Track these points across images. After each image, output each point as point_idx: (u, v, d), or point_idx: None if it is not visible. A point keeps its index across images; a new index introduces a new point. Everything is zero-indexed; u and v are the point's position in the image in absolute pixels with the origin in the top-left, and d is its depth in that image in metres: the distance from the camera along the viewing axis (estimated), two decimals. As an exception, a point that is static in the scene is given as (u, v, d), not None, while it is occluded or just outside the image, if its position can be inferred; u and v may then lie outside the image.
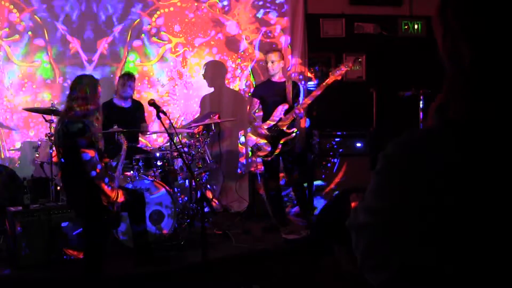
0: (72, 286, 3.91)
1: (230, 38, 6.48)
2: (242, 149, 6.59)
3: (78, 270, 3.87)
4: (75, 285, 3.86)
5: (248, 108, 5.88)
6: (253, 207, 5.88)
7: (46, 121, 4.86)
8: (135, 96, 5.83)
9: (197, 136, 5.37)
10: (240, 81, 6.58)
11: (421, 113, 5.31)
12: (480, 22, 0.99)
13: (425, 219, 0.97)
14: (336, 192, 5.56)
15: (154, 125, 6.14)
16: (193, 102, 6.45)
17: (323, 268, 3.89)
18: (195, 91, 6.43)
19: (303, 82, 6.26)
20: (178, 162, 5.30)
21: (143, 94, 6.18)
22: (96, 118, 3.62)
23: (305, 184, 5.56)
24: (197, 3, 6.32)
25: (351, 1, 6.66)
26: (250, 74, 6.59)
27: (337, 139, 5.96)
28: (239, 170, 6.50)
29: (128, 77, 5.38)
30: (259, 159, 5.50)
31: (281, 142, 5.01)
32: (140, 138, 5.78)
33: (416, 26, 6.73)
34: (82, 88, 3.61)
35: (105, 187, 3.55)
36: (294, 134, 5.06)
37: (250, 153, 6.56)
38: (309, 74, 5.19)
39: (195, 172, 5.08)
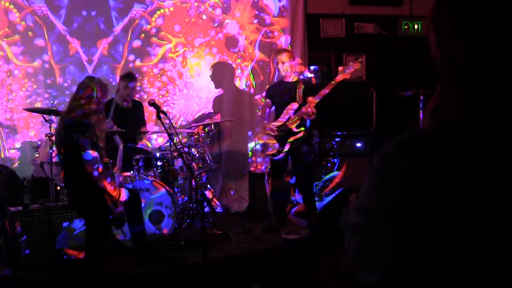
0: (72, 286, 3.91)
1: (230, 38, 6.48)
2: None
3: (78, 270, 3.87)
4: (75, 285, 3.86)
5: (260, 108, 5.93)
6: (253, 207, 5.89)
7: (46, 121, 4.86)
8: (135, 96, 5.83)
9: (197, 136, 5.37)
10: (240, 81, 6.59)
11: (421, 113, 5.31)
12: (475, 21, 1.00)
13: (424, 219, 0.97)
14: (338, 191, 5.56)
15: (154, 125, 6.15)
16: (193, 102, 6.45)
17: (323, 268, 3.89)
18: (195, 91, 6.44)
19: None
20: (178, 162, 5.30)
21: (143, 94, 6.18)
22: (99, 118, 3.62)
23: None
24: (197, 3, 6.33)
25: (351, 1, 6.67)
26: (250, 74, 6.60)
27: (337, 139, 5.96)
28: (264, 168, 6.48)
29: (130, 79, 5.36)
30: (267, 158, 5.52)
31: (289, 141, 5.02)
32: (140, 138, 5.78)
33: (416, 26, 6.74)
34: (88, 87, 3.61)
35: (108, 186, 3.55)
36: (302, 133, 5.05)
37: (250, 153, 6.57)
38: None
39: (195, 173, 5.08)
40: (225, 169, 6.48)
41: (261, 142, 5.28)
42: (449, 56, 1.03)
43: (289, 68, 5.11)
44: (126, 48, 6.14)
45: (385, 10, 6.73)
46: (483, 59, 0.99)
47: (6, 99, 5.80)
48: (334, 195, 5.38)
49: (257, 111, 6.49)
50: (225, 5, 6.44)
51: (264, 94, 5.84)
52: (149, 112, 5.79)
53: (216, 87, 6.46)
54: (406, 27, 6.75)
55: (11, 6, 5.75)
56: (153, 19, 6.21)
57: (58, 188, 4.91)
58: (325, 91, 4.81)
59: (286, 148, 5.02)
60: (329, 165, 5.86)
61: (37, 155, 5.04)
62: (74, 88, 3.76)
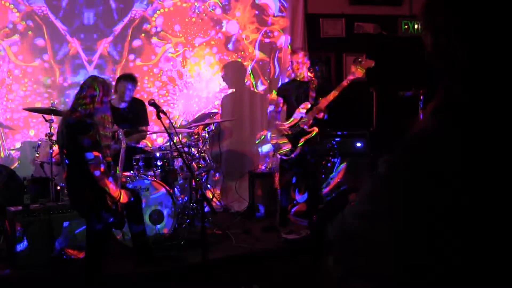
0: (72, 286, 3.91)
1: (230, 37, 6.48)
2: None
3: (78, 270, 3.87)
4: (75, 285, 3.86)
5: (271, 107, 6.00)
6: (253, 207, 5.89)
7: (46, 121, 4.85)
8: (135, 95, 5.83)
9: (197, 136, 5.37)
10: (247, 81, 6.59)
11: (421, 113, 5.31)
12: (474, 20, 1.00)
13: (435, 223, 0.95)
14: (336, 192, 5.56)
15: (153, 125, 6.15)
16: (193, 102, 6.45)
17: (323, 268, 3.89)
18: (195, 91, 6.43)
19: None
20: (178, 162, 5.30)
21: (143, 94, 6.18)
22: (103, 117, 3.62)
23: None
24: (197, 2, 6.32)
25: (351, 1, 6.66)
26: (250, 74, 6.60)
27: (337, 139, 5.96)
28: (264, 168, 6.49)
29: (128, 80, 5.34)
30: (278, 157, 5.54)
31: (301, 141, 5.03)
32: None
33: (416, 26, 6.74)
34: (91, 87, 3.61)
35: (109, 186, 3.55)
36: (314, 133, 5.06)
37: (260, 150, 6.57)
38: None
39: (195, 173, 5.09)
40: (225, 169, 6.48)
41: (273, 142, 5.28)
42: (447, 55, 1.03)
43: (304, 68, 5.12)
44: (126, 48, 6.14)
45: (385, 10, 6.72)
46: (483, 57, 0.99)
47: (6, 99, 5.80)
48: (334, 195, 5.38)
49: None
50: (225, 5, 6.43)
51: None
52: (149, 112, 5.78)
53: (229, 87, 6.48)
54: (406, 27, 6.75)
55: (11, 6, 5.75)
56: (153, 19, 6.21)
57: (58, 188, 4.91)
58: (336, 92, 4.90)
59: (299, 148, 5.03)
60: (329, 165, 5.85)
61: (37, 155, 5.04)
62: (74, 88, 3.76)
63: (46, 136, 4.84)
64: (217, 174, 6.51)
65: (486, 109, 0.98)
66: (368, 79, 6.63)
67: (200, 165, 5.30)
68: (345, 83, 4.95)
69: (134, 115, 5.37)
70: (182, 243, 4.61)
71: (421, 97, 5.28)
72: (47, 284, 3.93)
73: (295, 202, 5.84)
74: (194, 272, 4.07)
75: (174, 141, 4.65)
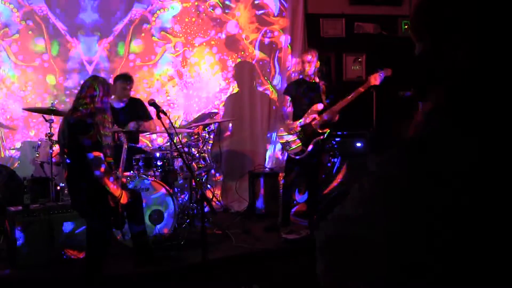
0: (72, 286, 3.91)
1: (230, 37, 6.49)
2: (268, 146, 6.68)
3: (78, 270, 3.87)
4: (75, 285, 3.86)
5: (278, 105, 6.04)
6: (253, 207, 5.89)
7: (46, 121, 4.85)
8: (134, 95, 5.82)
9: (197, 136, 5.37)
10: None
11: (416, 113, 5.30)
12: (474, 21, 1.00)
13: (433, 223, 0.96)
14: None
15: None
16: (193, 102, 6.45)
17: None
18: (195, 91, 6.44)
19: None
20: (178, 162, 5.30)
21: (143, 94, 6.18)
22: (103, 117, 3.62)
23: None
24: (197, 2, 6.33)
25: (351, 1, 6.66)
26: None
27: (337, 139, 5.96)
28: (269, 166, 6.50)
29: (125, 79, 5.33)
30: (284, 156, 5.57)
31: (313, 141, 5.04)
32: (140, 137, 5.76)
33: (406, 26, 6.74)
34: (91, 87, 3.61)
35: (110, 186, 3.55)
36: (326, 134, 5.07)
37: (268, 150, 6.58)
38: (317, 76, 5.19)
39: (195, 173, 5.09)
40: (225, 169, 6.48)
41: (282, 141, 5.27)
42: (447, 55, 1.03)
43: (314, 68, 5.12)
44: (126, 48, 6.14)
45: (385, 10, 6.72)
46: (483, 58, 0.99)
47: (6, 99, 5.80)
48: (334, 195, 5.38)
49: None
50: (225, 5, 6.44)
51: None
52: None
53: (239, 87, 6.50)
54: (406, 27, 6.75)
55: (11, 6, 5.75)
56: (153, 18, 6.21)
57: (58, 188, 4.91)
58: (351, 97, 4.93)
59: (310, 148, 5.03)
60: (329, 165, 5.85)
61: (37, 155, 5.04)
62: (74, 88, 3.76)
63: (46, 136, 4.84)
64: (217, 174, 6.52)
65: (486, 109, 0.98)
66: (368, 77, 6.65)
67: (200, 165, 5.30)
68: (362, 89, 4.96)
69: (134, 114, 5.36)
70: (182, 243, 4.61)
71: (421, 97, 5.27)
72: (47, 284, 3.93)
73: (295, 202, 5.85)
74: (194, 272, 4.07)
75: (174, 141, 4.65)
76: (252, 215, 5.80)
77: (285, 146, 5.23)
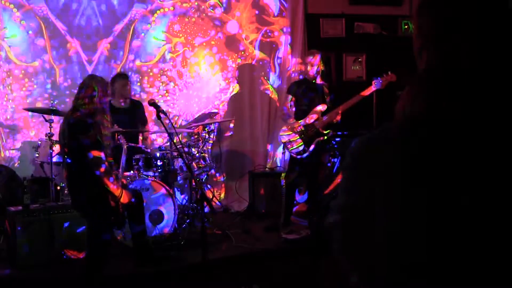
0: (72, 286, 3.91)
1: (230, 37, 6.49)
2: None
3: (78, 270, 3.87)
4: (75, 285, 3.86)
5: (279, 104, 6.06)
6: (253, 207, 5.89)
7: (46, 121, 4.85)
8: (135, 96, 5.83)
9: (197, 136, 5.37)
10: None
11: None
12: (443, 23, 1.01)
13: (391, 214, 0.98)
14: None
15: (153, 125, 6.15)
16: (193, 102, 6.45)
17: (323, 268, 3.89)
18: (195, 91, 6.44)
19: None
20: (178, 162, 5.30)
21: (143, 94, 6.18)
22: (103, 117, 3.62)
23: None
24: (197, 2, 6.33)
25: (351, 1, 6.66)
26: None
27: (337, 139, 5.96)
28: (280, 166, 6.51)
29: (122, 78, 5.32)
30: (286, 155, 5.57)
31: (315, 141, 5.04)
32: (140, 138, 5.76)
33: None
34: (89, 87, 3.61)
35: (111, 186, 3.55)
36: (328, 135, 5.07)
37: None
38: (319, 77, 5.20)
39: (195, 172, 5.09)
40: (225, 169, 6.48)
41: (284, 140, 5.26)
42: (418, 55, 1.07)
43: (317, 70, 5.11)
44: (126, 48, 6.14)
45: (385, 10, 6.72)
46: (450, 60, 1.01)
47: (6, 99, 5.80)
48: (334, 195, 5.38)
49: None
50: (225, 5, 6.44)
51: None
52: (149, 112, 5.78)
53: (240, 87, 6.50)
54: (406, 27, 6.75)
55: (12, 6, 5.75)
56: (153, 18, 6.21)
57: (58, 188, 4.91)
58: (354, 100, 4.94)
59: (311, 148, 5.03)
60: (329, 165, 5.85)
61: (37, 155, 5.04)
62: (74, 88, 3.76)
63: (46, 136, 4.84)
64: (217, 174, 6.52)
65: (486, 108, 0.98)
66: (368, 79, 6.64)
67: (200, 165, 5.30)
68: (366, 92, 4.96)
69: (135, 115, 5.38)
70: (182, 243, 4.61)
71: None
72: (47, 284, 3.93)
73: (295, 202, 5.84)
74: (194, 272, 4.07)
75: (174, 141, 4.65)
76: (252, 215, 5.80)
77: (287, 145, 5.22)
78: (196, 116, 6.40)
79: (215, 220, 5.39)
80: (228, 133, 6.57)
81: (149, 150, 5.08)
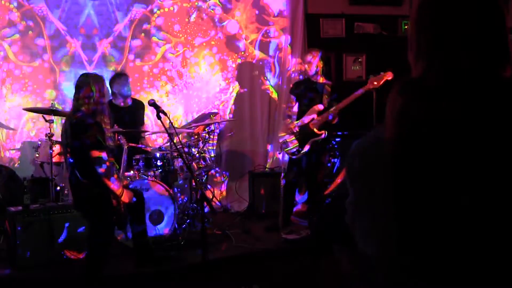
0: (72, 286, 3.91)
1: (230, 37, 6.49)
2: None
3: (78, 270, 3.87)
4: (75, 285, 3.86)
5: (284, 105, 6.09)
6: (253, 207, 5.89)
7: (46, 121, 4.85)
8: (135, 96, 5.83)
9: (197, 136, 5.37)
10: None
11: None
12: (472, 19, 1.01)
13: (389, 214, 0.99)
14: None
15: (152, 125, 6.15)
16: (193, 102, 6.45)
17: (323, 268, 3.89)
18: (195, 91, 6.44)
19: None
20: (178, 162, 5.30)
21: (143, 94, 6.18)
22: (101, 118, 3.62)
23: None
24: (197, 2, 6.33)
25: (351, 1, 6.66)
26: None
27: (337, 139, 5.96)
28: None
29: (122, 77, 5.31)
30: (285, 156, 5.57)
31: (310, 142, 5.03)
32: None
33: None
34: (87, 87, 3.60)
35: (112, 186, 3.55)
36: (323, 136, 5.05)
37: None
38: (321, 76, 5.19)
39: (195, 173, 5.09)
40: (225, 169, 6.48)
41: (281, 140, 5.26)
42: (418, 58, 1.09)
43: (315, 69, 5.10)
44: (126, 48, 6.14)
45: (385, 10, 6.72)
46: (450, 61, 1.01)
47: (6, 99, 5.80)
48: (335, 196, 5.39)
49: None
50: (225, 5, 6.43)
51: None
52: (149, 112, 5.79)
53: (241, 86, 6.50)
54: (406, 27, 6.75)
55: (11, 6, 5.75)
56: (153, 18, 6.21)
57: (58, 188, 4.91)
58: (348, 100, 4.90)
59: (306, 148, 5.03)
60: (329, 165, 5.85)
61: (37, 155, 5.04)
62: (74, 88, 3.74)
63: (46, 136, 4.83)
64: (217, 175, 6.52)
65: (486, 108, 0.98)
66: (368, 79, 6.64)
67: (200, 165, 5.30)
68: (360, 92, 4.92)
69: (134, 116, 5.38)
70: (182, 243, 4.61)
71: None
72: (47, 284, 3.93)
73: (295, 202, 5.84)
74: (194, 272, 4.07)
75: (174, 141, 4.65)
76: (252, 215, 5.80)
77: (282, 146, 5.23)
78: (196, 116, 6.40)
79: (215, 220, 5.39)
80: (228, 134, 6.56)
81: (148, 149, 5.08)
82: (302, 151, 5.04)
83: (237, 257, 4.47)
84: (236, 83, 6.57)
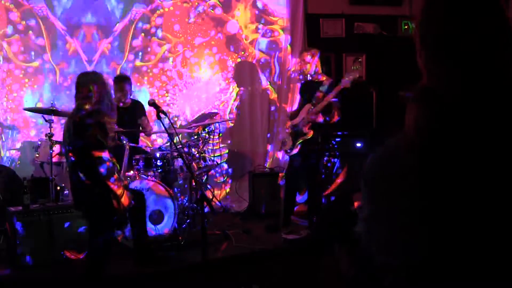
0: (72, 286, 3.91)
1: (230, 37, 6.49)
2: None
3: (78, 270, 3.87)
4: (75, 285, 3.86)
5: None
6: (253, 207, 5.89)
7: (46, 121, 4.85)
8: (135, 96, 5.82)
9: (197, 136, 5.37)
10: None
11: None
12: (473, 20, 1.00)
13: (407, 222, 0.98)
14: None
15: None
16: (193, 102, 6.45)
17: (323, 268, 3.89)
18: (195, 91, 6.43)
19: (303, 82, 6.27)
20: (178, 162, 5.30)
21: (143, 94, 6.18)
22: (104, 117, 3.61)
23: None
24: (197, 2, 6.33)
25: (351, 1, 6.66)
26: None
27: (337, 139, 5.96)
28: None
29: (124, 81, 5.30)
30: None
31: (299, 141, 5.05)
32: (140, 138, 5.76)
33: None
34: (85, 87, 3.60)
35: (112, 186, 3.55)
36: (310, 135, 5.07)
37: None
38: (320, 74, 5.19)
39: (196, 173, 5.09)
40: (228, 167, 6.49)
41: (280, 139, 5.34)
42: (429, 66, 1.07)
43: (315, 68, 5.10)
44: (126, 48, 6.14)
45: (385, 10, 6.72)
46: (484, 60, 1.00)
47: (6, 99, 5.80)
48: (336, 196, 5.39)
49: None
50: (225, 5, 6.43)
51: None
52: (149, 112, 5.78)
53: (238, 86, 6.51)
54: (406, 27, 6.75)
55: (12, 6, 5.75)
56: (153, 18, 6.21)
57: (58, 188, 4.91)
58: (326, 101, 4.92)
59: (296, 148, 5.06)
60: (329, 165, 5.85)
61: (37, 155, 5.03)
62: (74, 88, 3.74)
63: (46, 136, 4.83)
64: (217, 175, 6.52)
65: (486, 109, 0.98)
66: (368, 79, 6.65)
67: (200, 165, 5.30)
68: (333, 94, 4.93)
69: (133, 116, 5.37)
70: (182, 243, 4.61)
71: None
72: (47, 284, 3.93)
73: (296, 202, 5.84)
74: (194, 272, 4.07)
75: (174, 141, 4.65)
76: (252, 215, 5.80)
77: (281, 143, 5.29)
78: (196, 116, 6.40)
79: (215, 220, 5.39)
80: (228, 133, 6.56)
81: (148, 150, 5.08)
82: (294, 150, 5.08)
83: (237, 257, 4.47)
84: (236, 83, 6.57)
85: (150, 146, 6.05)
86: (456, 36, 0.99)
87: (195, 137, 5.39)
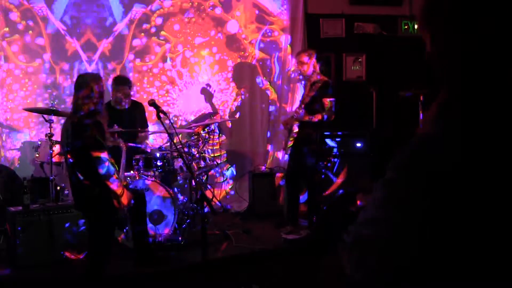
0: (72, 286, 3.91)
1: (230, 37, 6.48)
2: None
3: (78, 270, 3.87)
4: (75, 285, 3.86)
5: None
6: (253, 207, 5.89)
7: (46, 121, 4.84)
8: (135, 96, 5.82)
9: (197, 136, 5.37)
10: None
11: (421, 113, 5.31)
12: (472, 18, 1.00)
13: (443, 223, 0.97)
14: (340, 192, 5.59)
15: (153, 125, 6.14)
16: (193, 102, 6.45)
17: (323, 268, 3.89)
18: (195, 91, 6.43)
19: (303, 82, 6.27)
20: (178, 162, 5.30)
21: (143, 94, 6.18)
22: (100, 118, 3.62)
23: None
24: (197, 2, 6.32)
25: (351, 1, 6.66)
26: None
27: (337, 139, 5.96)
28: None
29: (125, 84, 5.26)
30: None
31: (289, 139, 5.11)
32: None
33: (416, 26, 6.73)
34: (87, 87, 3.60)
35: (112, 186, 3.55)
36: (296, 135, 5.09)
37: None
38: (317, 74, 5.20)
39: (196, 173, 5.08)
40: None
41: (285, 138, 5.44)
42: (448, 55, 1.04)
43: (312, 69, 5.11)
44: (126, 48, 6.14)
45: (385, 10, 6.72)
46: (483, 57, 0.99)
47: (6, 99, 5.80)
48: (335, 196, 5.40)
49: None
50: (225, 5, 6.43)
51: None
52: (149, 112, 5.78)
53: (241, 86, 6.52)
54: (406, 27, 6.75)
55: (12, 6, 5.75)
56: (153, 18, 6.21)
57: (58, 188, 4.91)
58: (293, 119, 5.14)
59: (288, 146, 5.11)
60: (329, 165, 5.85)
61: (37, 155, 5.03)
62: (74, 89, 3.74)
63: (46, 136, 4.83)
64: (217, 175, 6.51)
65: (486, 109, 0.98)
66: (368, 79, 6.65)
67: (200, 166, 5.30)
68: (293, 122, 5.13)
69: (132, 117, 5.36)
70: (182, 243, 4.61)
71: (421, 97, 5.27)
72: (47, 284, 3.93)
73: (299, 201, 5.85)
74: (194, 272, 4.07)
75: (174, 141, 4.65)
76: (252, 215, 5.80)
77: (284, 142, 5.35)
78: (196, 116, 6.40)
79: (215, 220, 5.39)
80: (228, 133, 6.56)
81: (148, 150, 5.08)
82: (287, 150, 5.22)
83: (237, 257, 4.47)
84: (235, 84, 6.57)
85: (150, 146, 6.05)
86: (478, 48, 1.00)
87: (195, 137, 5.38)
